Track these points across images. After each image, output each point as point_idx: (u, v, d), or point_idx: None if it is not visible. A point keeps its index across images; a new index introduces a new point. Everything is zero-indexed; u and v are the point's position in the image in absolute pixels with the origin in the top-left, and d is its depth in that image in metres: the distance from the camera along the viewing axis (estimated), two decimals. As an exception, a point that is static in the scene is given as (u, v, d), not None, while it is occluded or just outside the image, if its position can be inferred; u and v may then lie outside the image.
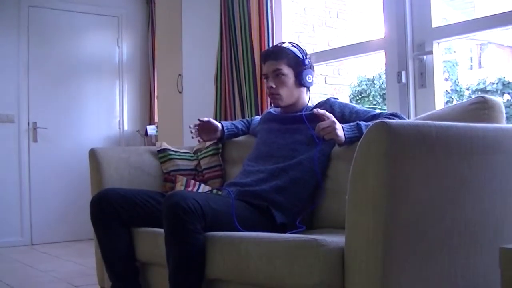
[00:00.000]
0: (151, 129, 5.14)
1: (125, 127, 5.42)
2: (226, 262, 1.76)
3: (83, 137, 5.10)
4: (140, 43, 5.51)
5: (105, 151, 2.65)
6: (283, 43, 2.45)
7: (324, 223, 2.19)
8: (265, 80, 2.43)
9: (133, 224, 2.24)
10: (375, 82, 10.08)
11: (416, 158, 1.44)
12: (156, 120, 5.03)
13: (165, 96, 4.30)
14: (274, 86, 2.32)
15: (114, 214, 2.18)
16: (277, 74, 2.32)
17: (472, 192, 1.59)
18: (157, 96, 4.79)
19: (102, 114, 5.31)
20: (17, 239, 4.78)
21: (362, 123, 2.09)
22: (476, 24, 2.48)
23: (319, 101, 2.42)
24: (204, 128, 2.63)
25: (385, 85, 2.85)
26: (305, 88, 2.39)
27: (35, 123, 4.92)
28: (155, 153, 2.79)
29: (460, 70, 9.22)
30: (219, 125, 2.66)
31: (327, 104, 2.31)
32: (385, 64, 2.76)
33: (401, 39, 2.64)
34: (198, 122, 2.60)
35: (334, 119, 2.07)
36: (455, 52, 9.05)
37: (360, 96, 10.27)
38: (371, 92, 10.17)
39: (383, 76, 8.27)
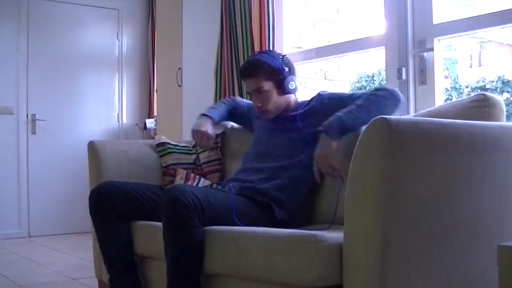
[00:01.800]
0: (150, 123, 5.13)
1: (124, 120, 5.41)
2: (225, 257, 1.76)
3: (82, 130, 5.10)
4: (140, 37, 5.49)
5: (104, 144, 2.65)
6: (257, 54, 2.40)
7: (323, 219, 2.19)
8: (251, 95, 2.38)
9: (131, 217, 2.24)
10: (374, 78, 10.07)
11: (416, 155, 1.44)
12: (155, 113, 5.02)
13: (165, 90, 4.29)
14: (259, 104, 2.31)
15: (113, 207, 2.18)
16: (259, 92, 2.30)
17: (471, 189, 1.60)
18: (156, 90, 4.78)
19: (101, 107, 5.31)
20: (14, 231, 4.78)
21: (340, 113, 2.02)
22: (477, 21, 2.48)
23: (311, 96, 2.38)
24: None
25: (385, 82, 2.84)
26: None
27: (34, 115, 4.91)
28: (154, 147, 2.78)
29: (460, 67, 9.20)
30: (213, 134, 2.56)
31: (318, 100, 2.28)
32: (385, 60, 2.76)
33: (402, 35, 2.63)
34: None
35: (316, 158, 2.02)
36: (455, 49, 9.03)
37: (359, 93, 10.25)
38: (370, 88, 10.16)
39: (383, 73, 8.25)
